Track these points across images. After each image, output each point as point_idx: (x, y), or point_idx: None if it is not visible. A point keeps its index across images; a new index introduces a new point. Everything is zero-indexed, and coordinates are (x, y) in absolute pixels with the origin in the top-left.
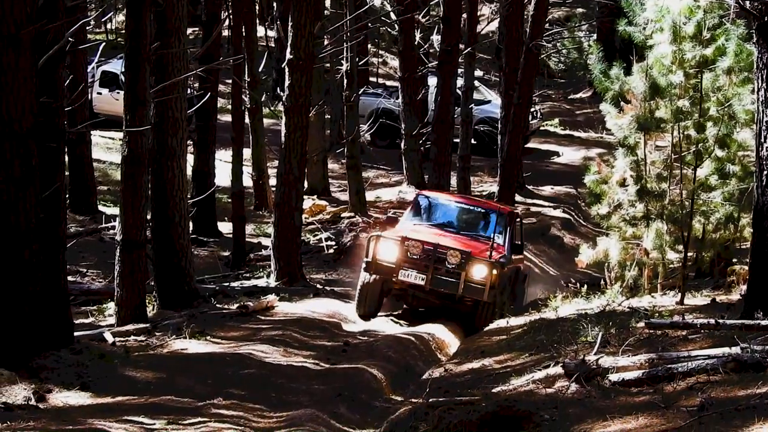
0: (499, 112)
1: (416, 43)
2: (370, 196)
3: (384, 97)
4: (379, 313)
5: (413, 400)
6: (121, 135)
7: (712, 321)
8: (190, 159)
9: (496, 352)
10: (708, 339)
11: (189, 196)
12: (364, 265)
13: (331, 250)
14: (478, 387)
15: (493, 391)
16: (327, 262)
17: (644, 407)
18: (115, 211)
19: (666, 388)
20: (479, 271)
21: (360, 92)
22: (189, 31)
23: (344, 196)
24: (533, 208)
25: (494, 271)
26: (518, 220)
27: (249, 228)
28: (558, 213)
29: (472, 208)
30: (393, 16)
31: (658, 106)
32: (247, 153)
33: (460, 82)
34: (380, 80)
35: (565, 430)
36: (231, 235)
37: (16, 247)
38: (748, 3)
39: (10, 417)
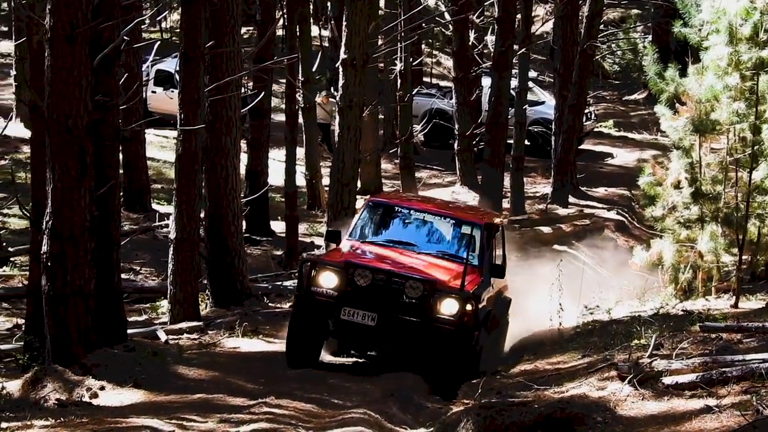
0: (553, 113)
1: (470, 43)
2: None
3: (438, 98)
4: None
5: (465, 401)
6: (175, 133)
7: (767, 325)
8: (244, 158)
9: (548, 354)
10: (763, 343)
11: (242, 195)
12: (294, 300)
13: None
14: (531, 389)
15: (546, 392)
16: None
17: (698, 411)
18: (168, 209)
19: (720, 392)
20: (448, 308)
21: (414, 92)
22: (243, 30)
23: None
24: (587, 210)
25: (468, 307)
26: (499, 230)
27: (302, 227)
28: (612, 215)
29: (438, 218)
30: (447, 17)
31: (713, 108)
32: (300, 152)
33: (514, 82)
34: (434, 80)
35: None
36: (284, 235)
37: (70, 245)
38: None
39: (64, 413)
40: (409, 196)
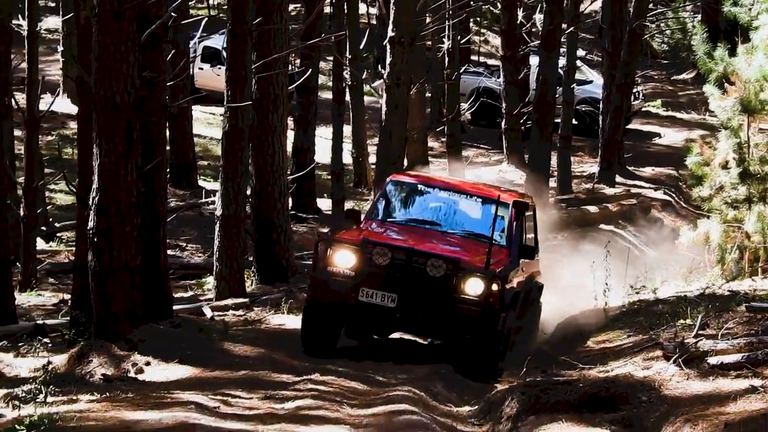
0: (600, 93)
1: (519, 22)
2: (469, 175)
3: (485, 76)
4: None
5: (510, 379)
6: (221, 110)
7: None
8: (291, 135)
9: (594, 333)
10: None
11: (289, 173)
12: (309, 281)
13: None
14: (576, 367)
15: (591, 372)
16: None
17: (743, 391)
18: (215, 186)
19: (765, 372)
20: (472, 287)
21: (461, 70)
22: (290, 7)
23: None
24: (634, 189)
25: (494, 287)
26: (529, 210)
27: (348, 205)
28: (659, 194)
29: (463, 196)
30: None
31: (762, 89)
32: (347, 130)
33: (562, 61)
34: (482, 59)
35: (662, 412)
36: (330, 212)
37: (117, 221)
38: None
39: (109, 388)
40: (433, 174)
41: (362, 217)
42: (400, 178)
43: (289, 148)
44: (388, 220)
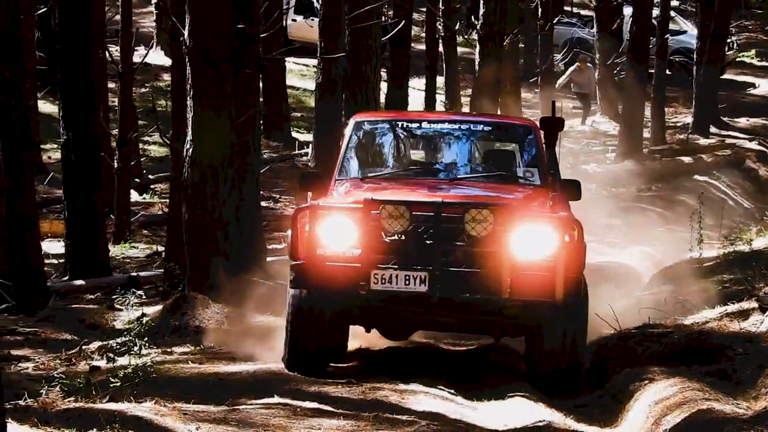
0: (694, 43)
1: None
2: None
3: (578, 27)
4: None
5: (603, 330)
6: (315, 62)
7: None
8: (384, 87)
9: (688, 284)
10: None
11: None
12: (291, 274)
13: None
14: (669, 318)
15: (685, 323)
16: None
17: None
18: (308, 137)
19: None
20: (539, 243)
21: (555, 21)
22: None
23: None
24: (728, 140)
25: (566, 238)
26: (562, 129)
27: None
28: (753, 145)
29: (469, 127)
30: None
31: None
32: (440, 81)
33: (655, 12)
34: (575, 9)
35: (758, 365)
36: None
37: (210, 173)
38: None
39: (203, 340)
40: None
41: (332, 180)
42: (368, 117)
43: (383, 99)
44: (369, 176)
